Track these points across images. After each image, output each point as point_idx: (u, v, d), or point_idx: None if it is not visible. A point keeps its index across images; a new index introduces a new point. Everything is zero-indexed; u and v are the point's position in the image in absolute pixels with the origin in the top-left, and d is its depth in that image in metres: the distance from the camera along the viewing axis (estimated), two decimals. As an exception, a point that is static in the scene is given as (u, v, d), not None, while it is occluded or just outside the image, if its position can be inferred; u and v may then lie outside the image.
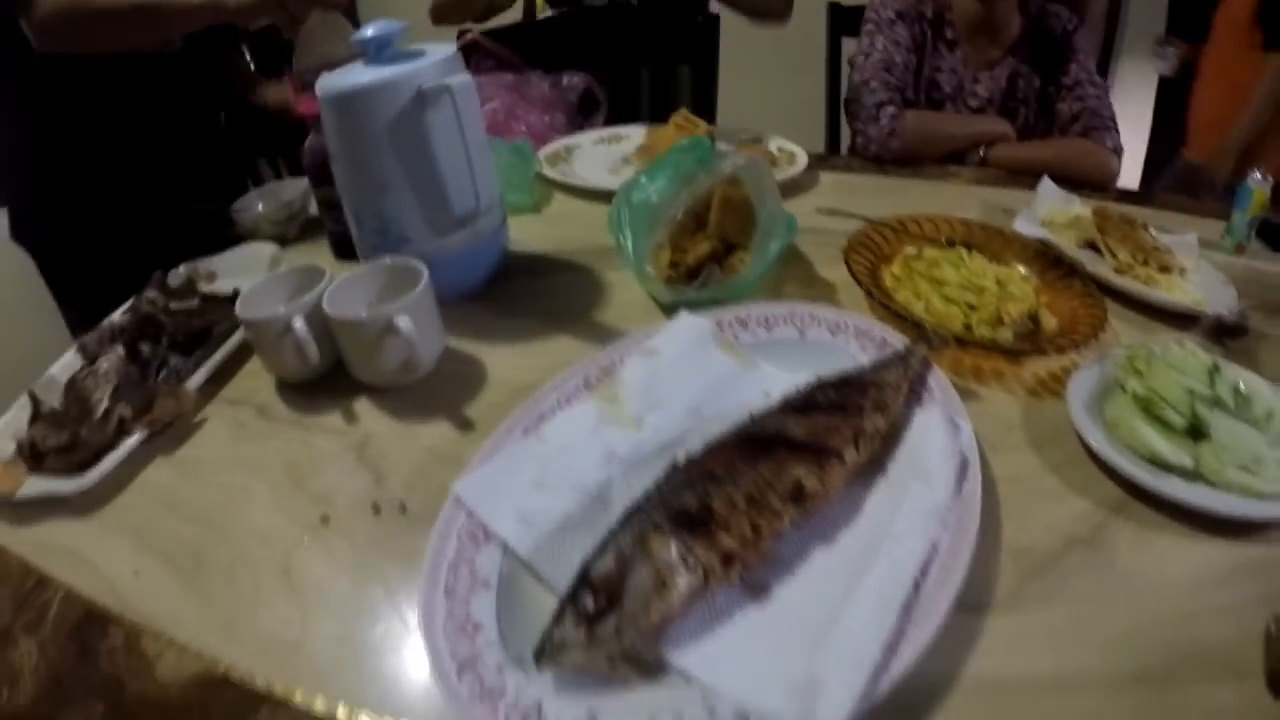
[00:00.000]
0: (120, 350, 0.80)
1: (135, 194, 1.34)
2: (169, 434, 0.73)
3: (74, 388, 0.77)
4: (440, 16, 1.29)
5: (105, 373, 0.77)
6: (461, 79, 0.75)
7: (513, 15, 1.39)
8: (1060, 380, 0.68)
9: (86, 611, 0.57)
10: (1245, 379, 0.64)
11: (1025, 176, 1.05)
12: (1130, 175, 2.17)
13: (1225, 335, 0.78)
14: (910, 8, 1.22)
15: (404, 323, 0.68)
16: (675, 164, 0.81)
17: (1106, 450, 0.60)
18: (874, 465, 0.55)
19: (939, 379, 0.62)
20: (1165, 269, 0.89)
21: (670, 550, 0.46)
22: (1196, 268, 0.90)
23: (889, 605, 0.45)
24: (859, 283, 0.75)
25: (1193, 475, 0.58)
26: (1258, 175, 0.95)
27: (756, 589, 0.49)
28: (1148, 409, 0.62)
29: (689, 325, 0.69)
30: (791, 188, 1.08)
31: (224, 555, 0.60)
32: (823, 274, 0.87)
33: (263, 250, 1.03)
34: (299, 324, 0.71)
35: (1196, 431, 0.60)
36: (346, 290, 0.74)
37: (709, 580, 0.46)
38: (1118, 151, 1.16)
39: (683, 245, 0.81)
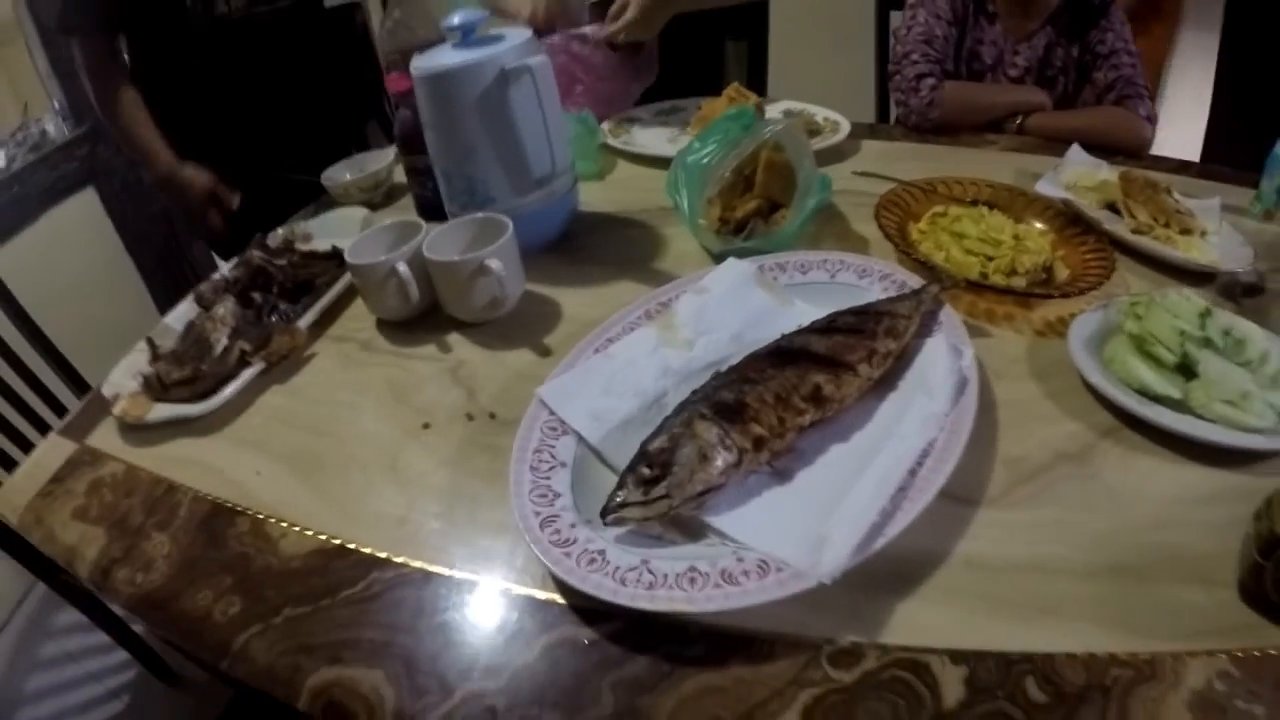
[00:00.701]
0: (231, 299, 0.94)
1: (237, 163, 1.50)
2: (282, 366, 0.86)
3: (193, 330, 0.91)
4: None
5: (222, 316, 0.91)
6: (540, 59, 0.85)
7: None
8: (1066, 324, 0.74)
9: (214, 507, 0.70)
10: (1240, 325, 0.69)
11: (1060, 145, 1.09)
12: (1192, 145, 2.14)
13: (1239, 294, 0.82)
14: None
15: (494, 264, 0.80)
16: (724, 130, 0.91)
17: (1100, 381, 0.66)
18: (885, 381, 0.65)
19: (949, 314, 0.70)
20: (1186, 231, 0.93)
21: (711, 433, 0.56)
22: (1218, 230, 0.94)
23: (887, 486, 0.54)
24: (886, 236, 0.84)
25: (1181, 407, 0.64)
26: None
27: (782, 473, 0.59)
28: (1141, 347, 0.68)
29: (735, 268, 0.79)
30: (835, 154, 1.16)
31: (338, 456, 0.73)
32: (857, 229, 0.96)
33: (354, 214, 1.16)
34: (403, 267, 0.83)
35: (1188, 370, 0.66)
36: (441, 240, 0.86)
37: (742, 459, 0.56)
38: (1151, 119, 1.19)
39: (732, 203, 0.91)
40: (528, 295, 0.89)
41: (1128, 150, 1.17)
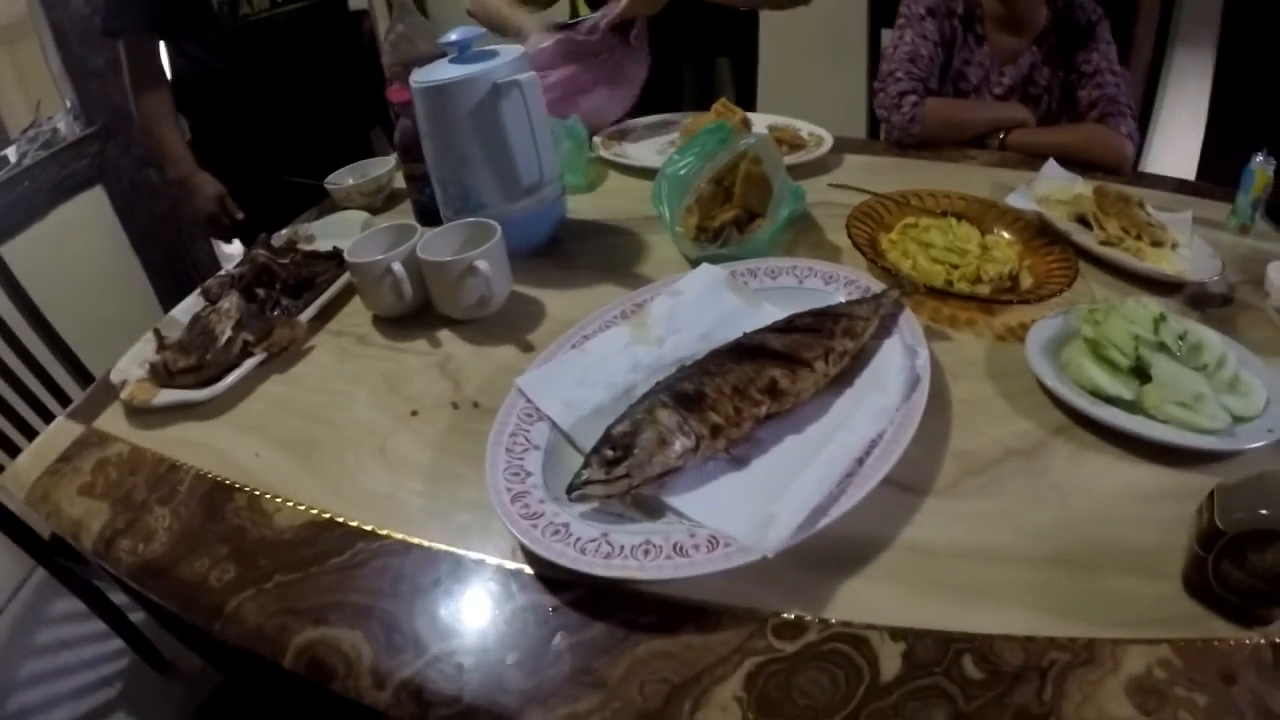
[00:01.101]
0: (236, 294, 1.00)
1: (251, 166, 1.59)
2: (282, 357, 0.92)
3: (199, 322, 0.97)
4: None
5: (227, 310, 0.96)
6: (529, 75, 0.92)
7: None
8: (1027, 329, 0.78)
9: (214, 484, 0.74)
10: (1197, 330, 0.73)
11: (1041, 161, 1.14)
12: (1188, 164, 2.18)
13: (1204, 304, 0.87)
14: (941, 4, 1.32)
15: (482, 264, 0.85)
16: (702, 143, 0.98)
17: (1054, 382, 0.71)
18: (842, 378, 0.70)
19: (908, 318, 0.75)
20: (1157, 243, 0.98)
21: (671, 419, 0.62)
22: (1189, 243, 0.98)
23: (834, 471, 0.59)
24: (856, 245, 0.89)
25: (1134, 408, 0.68)
26: (1260, 157, 1.00)
27: (738, 460, 0.64)
28: (1096, 351, 0.72)
29: (707, 273, 0.84)
30: (817, 167, 1.22)
31: (331, 440, 0.79)
32: (830, 239, 1.02)
33: (355, 217, 1.22)
34: (397, 266, 0.89)
35: (1143, 374, 0.70)
36: (435, 242, 0.92)
37: (699, 444, 0.61)
38: (1131, 137, 1.24)
39: (712, 212, 0.97)
40: (515, 295, 0.95)
41: (1107, 167, 1.22)
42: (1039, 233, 0.95)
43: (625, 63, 1.35)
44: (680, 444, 0.61)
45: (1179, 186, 1.22)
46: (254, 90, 1.59)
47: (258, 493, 0.73)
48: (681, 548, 0.56)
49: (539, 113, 0.95)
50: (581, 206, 1.17)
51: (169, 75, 1.60)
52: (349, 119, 1.74)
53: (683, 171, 0.95)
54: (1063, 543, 0.59)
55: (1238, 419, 0.67)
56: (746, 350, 0.68)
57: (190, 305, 1.04)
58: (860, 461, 0.60)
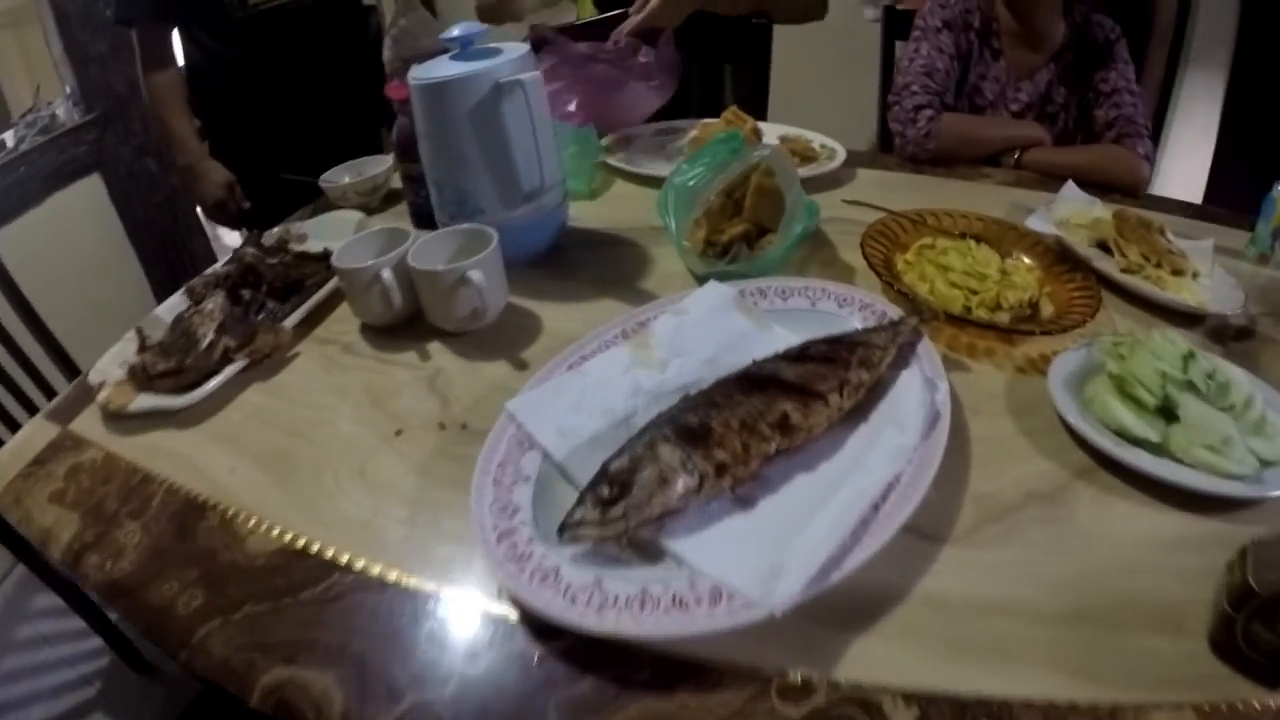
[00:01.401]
0: (221, 295, 0.94)
1: (260, 159, 1.59)
2: (266, 364, 0.86)
3: (181, 323, 0.91)
4: (485, 16, 1.41)
5: (210, 311, 0.90)
6: (533, 75, 0.86)
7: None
8: (1048, 361, 0.74)
9: (187, 500, 0.69)
10: (1225, 369, 0.68)
11: (1056, 181, 1.10)
12: (1195, 186, 2.14)
13: (1227, 337, 0.82)
14: (957, 18, 1.28)
15: (476, 275, 0.80)
16: (713, 153, 0.92)
17: (1077, 420, 0.66)
18: (857, 412, 0.65)
19: (926, 347, 0.70)
20: (1177, 272, 0.93)
21: (674, 456, 0.56)
22: (1210, 273, 0.94)
23: (848, 518, 0.54)
24: (871, 266, 0.84)
25: (1160, 450, 0.64)
26: None
27: (744, 500, 0.59)
28: (1122, 388, 0.67)
29: (715, 291, 0.79)
30: (829, 181, 1.16)
31: (310, 457, 0.73)
32: (844, 258, 0.96)
33: (349, 217, 1.16)
34: (386, 274, 0.83)
35: (1169, 413, 0.65)
36: (428, 248, 0.86)
37: (703, 484, 0.56)
38: (1149, 158, 1.20)
39: (720, 225, 0.91)
40: (510, 308, 0.90)
41: (1124, 188, 1.17)
42: (1059, 258, 0.90)
43: (656, 61, 1.29)
44: (683, 483, 0.56)
45: (1193, 212, 1.16)
46: (263, 81, 1.57)
47: (231, 512, 0.68)
48: (681, 600, 0.51)
49: (542, 114, 0.90)
50: (585, 214, 1.12)
51: (181, 63, 1.59)
52: (359, 115, 1.70)
53: (691, 182, 0.89)
54: (1084, 595, 0.54)
55: (1264, 463, 0.62)
56: (756, 380, 0.63)
57: (175, 304, 0.98)
58: (876, 507, 0.55)
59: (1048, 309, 0.83)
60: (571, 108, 1.21)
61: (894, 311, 0.75)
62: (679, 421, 0.59)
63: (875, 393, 0.66)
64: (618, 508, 0.54)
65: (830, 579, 0.51)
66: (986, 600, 0.54)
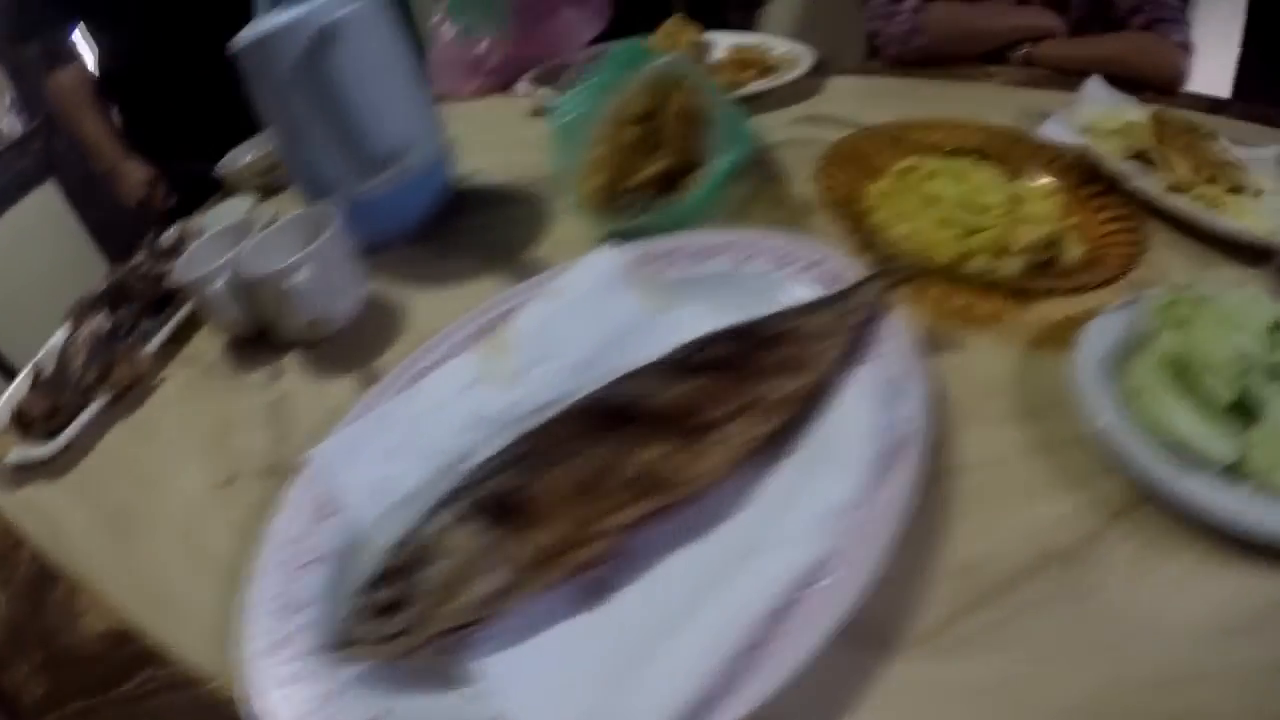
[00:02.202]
0: (101, 316, 0.76)
1: (171, 156, 1.45)
2: (131, 397, 0.69)
3: (62, 355, 0.73)
4: None
5: (85, 339, 0.73)
6: (359, 8, 0.63)
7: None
8: (1075, 330, 0.48)
9: (43, 567, 0.56)
10: None
11: (1075, 79, 0.81)
12: (1220, 83, 1.78)
13: None
14: None
15: (300, 278, 0.58)
16: (608, 75, 0.65)
17: (1116, 429, 0.41)
18: (776, 441, 0.41)
19: (896, 327, 0.45)
20: (1236, 189, 0.66)
21: (473, 542, 0.35)
22: (1277, 189, 0.67)
23: (741, 624, 0.31)
24: (826, 202, 0.58)
25: (1234, 475, 0.39)
26: None
27: (593, 592, 0.36)
28: (1182, 375, 0.42)
29: (600, 261, 0.55)
30: (790, 95, 0.88)
31: (147, 516, 0.58)
32: (799, 193, 0.69)
33: (241, 204, 0.96)
34: (218, 286, 0.64)
35: (1247, 411, 0.41)
36: (269, 244, 0.66)
37: (519, 582, 0.34)
38: (1186, 47, 0.91)
39: (633, 165, 0.66)
40: (374, 302, 0.67)
41: (1159, 85, 0.88)
42: (1087, 177, 0.63)
43: (573, 14, 1.04)
44: (488, 583, 0.34)
45: (1215, 106, 0.86)
46: (172, 67, 1.39)
47: (76, 582, 0.53)
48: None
49: (386, 57, 0.67)
50: (487, 163, 0.87)
51: (92, 62, 1.43)
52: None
53: (569, 117, 0.63)
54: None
55: None
56: (613, 410, 0.39)
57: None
58: (790, 608, 0.32)
59: (1074, 249, 0.57)
60: (483, 48, 0.96)
61: (855, 270, 0.50)
62: (488, 487, 0.36)
63: (811, 406, 0.42)
64: (398, 619, 0.34)
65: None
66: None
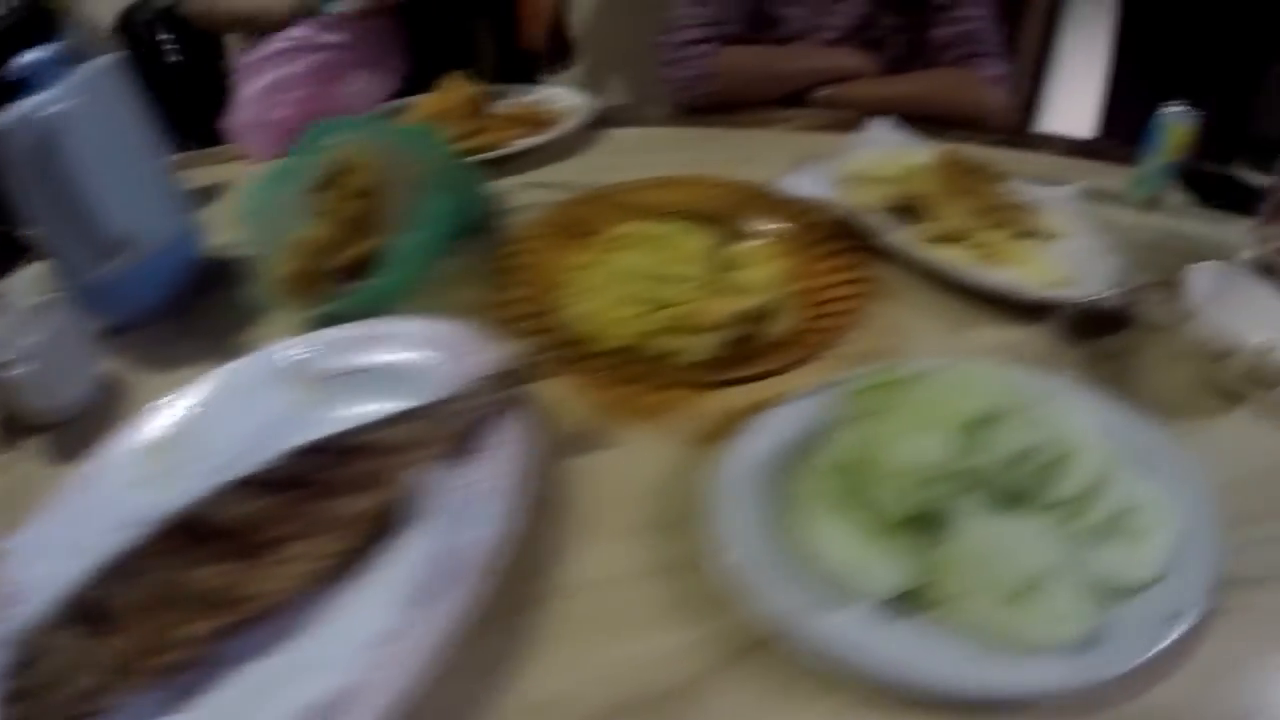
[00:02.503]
0: None
1: None
2: None
3: None
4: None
5: None
6: (64, 107, 0.61)
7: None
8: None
9: None
10: (1056, 427, 0.37)
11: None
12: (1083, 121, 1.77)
13: (1090, 330, 0.54)
14: None
15: (18, 372, 0.54)
16: (291, 161, 0.61)
17: (746, 554, 0.36)
18: (352, 559, 0.37)
19: (515, 430, 0.40)
20: (1025, 234, 0.64)
21: (71, 645, 0.34)
22: (1073, 231, 0.64)
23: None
24: (516, 281, 0.54)
25: (919, 600, 0.34)
26: (1177, 107, 0.67)
27: (179, 696, 0.34)
28: (855, 483, 0.37)
29: (259, 357, 0.52)
30: (562, 150, 0.85)
31: None
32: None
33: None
34: None
35: (937, 528, 0.35)
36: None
37: (107, 685, 0.33)
38: (999, 81, 0.90)
39: (338, 246, 0.60)
40: (111, 383, 0.62)
41: (968, 121, 0.87)
42: (826, 234, 0.59)
43: (385, 42, 1.00)
44: (82, 682, 0.33)
45: (1071, 148, 0.87)
46: None
47: None
48: None
49: (117, 145, 0.66)
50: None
51: None
52: None
53: (263, 205, 0.59)
54: None
55: (1113, 591, 0.34)
56: (194, 526, 0.37)
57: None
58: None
59: (786, 320, 0.53)
60: (275, 115, 0.92)
61: (497, 361, 0.45)
62: (78, 594, 0.36)
63: (386, 524, 0.38)
64: (17, 709, 0.33)
65: None
66: None
